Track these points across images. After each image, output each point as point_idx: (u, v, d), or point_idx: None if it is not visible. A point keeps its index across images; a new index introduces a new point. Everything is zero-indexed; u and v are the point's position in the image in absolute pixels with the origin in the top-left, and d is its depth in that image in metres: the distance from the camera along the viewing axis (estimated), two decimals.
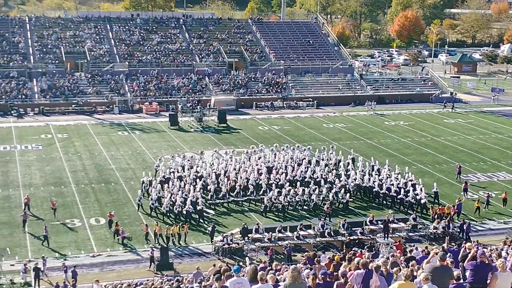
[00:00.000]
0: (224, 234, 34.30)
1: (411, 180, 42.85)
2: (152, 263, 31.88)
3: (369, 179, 42.99)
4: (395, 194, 40.97)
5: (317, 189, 41.19)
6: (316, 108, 76.11)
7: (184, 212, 37.89)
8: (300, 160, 47.13)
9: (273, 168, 45.02)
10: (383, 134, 63.18)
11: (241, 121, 68.33)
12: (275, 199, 39.49)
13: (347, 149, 53.46)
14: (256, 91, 78.35)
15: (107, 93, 73.66)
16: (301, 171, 44.31)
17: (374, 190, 41.86)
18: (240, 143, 57.64)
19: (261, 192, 41.12)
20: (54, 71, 75.24)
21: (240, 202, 40.84)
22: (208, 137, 60.01)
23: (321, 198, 40.43)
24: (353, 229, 35.44)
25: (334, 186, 42.07)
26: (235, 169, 44.44)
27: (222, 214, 39.56)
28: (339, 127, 66.29)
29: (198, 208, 38.21)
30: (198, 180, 42.45)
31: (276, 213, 39.49)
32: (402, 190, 40.84)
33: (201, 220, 37.89)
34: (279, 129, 64.13)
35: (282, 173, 43.96)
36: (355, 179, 43.04)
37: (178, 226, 35.33)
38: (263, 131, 63.23)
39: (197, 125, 64.99)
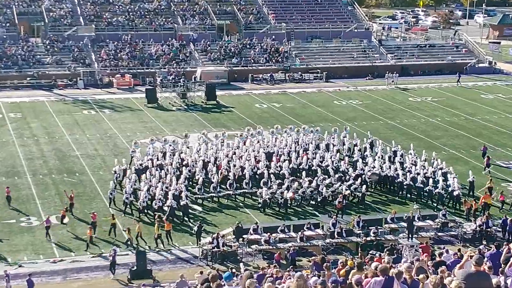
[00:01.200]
0: (214, 235, 34.39)
1: (441, 169, 43.25)
2: (113, 269, 32.24)
3: (390, 168, 43.40)
4: (421, 185, 41.33)
5: (326, 180, 41.58)
6: (325, 82, 76.33)
7: (166, 208, 38.08)
8: (306, 145, 47.58)
9: (274, 154, 45.35)
10: (407, 112, 63.27)
11: (234, 97, 68.34)
12: (275, 193, 39.86)
13: (363, 131, 53.56)
14: (252, 60, 78.50)
15: (70, 63, 73.59)
16: (308, 158, 44.62)
17: (396, 180, 42.27)
18: (233, 124, 57.77)
19: (260, 183, 41.38)
20: (5, 36, 75.06)
21: (234, 196, 41.11)
22: (194, 117, 60.09)
23: (331, 191, 40.79)
24: (370, 228, 35.62)
25: (348, 176, 42.41)
26: (227, 156, 44.81)
27: (212, 211, 39.83)
28: (353, 104, 66.33)
29: (182, 203, 38.36)
30: (182, 169, 42.73)
31: (277, 210, 39.75)
32: (430, 181, 41.11)
33: (186, 218, 38.12)
34: (280, 107, 64.24)
35: (285, 160, 44.28)
36: (373, 168, 43.42)
37: (157, 225, 35.58)
38: (261, 110, 63.30)
39: (180, 102, 65.18)
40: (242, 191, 41.28)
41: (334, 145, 47.82)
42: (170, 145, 46.68)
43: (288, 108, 63.86)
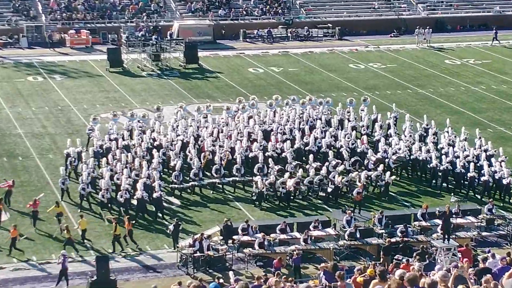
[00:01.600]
0: (196, 236, 34.24)
1: (486, 151, 43.57)
2: (64, 281, 32.21)
3: (421, 149, 43.49)
4: (461, 172, 41.47)
5: (340, 166, 41.65)
6: (338, 39, 76.32)
7: (134, 202, 38.14)
8: (313, 121, 47.61)
9: (272, 133, 45.40)
10: (443, 79, 63.20)
11: (222, 59, 68.12)
12: (274, 182, 39.90)
13: (386, 103, 53.45)
14: (244, 12, 78.35)
15: (10, 15, 73.18)
16: (316, 138, 44.71)
17: (428, 166, 42.54)
18: (220, 94, 57.80)
19: (254, 170, 41.36)
20: None
21: (221, 185, 41.23)
22: (169, 85, 60.16)
23: (346, 180, 40.78)
24: (395, 226, 35.77)
25: (367, 160, 42.54)
26: (212, 134, 44.77)
27: (193, 205, 39.90)
28: (374, 68, 66.24)
29: (155, 195, 38.37)
30: (154, 151, 42.69)
31: (277, 203, 39.80)
32: (472, 166, 41.18)
33: (159, 214, 38.22)
34: (280, 73, 64.03)
35: (286, 140, 44.27)
36: (399, 150, 43.59)
37: (115, 223, 35.56)
38: (255, 76, 63.12)
39: (152, 66, 65.12)
40: (231, 179, 41.38)
41: (349, 121, 47.95)
42: (139, 121, 46.78)
43: (290, 74, 63.67)
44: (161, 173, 41.30)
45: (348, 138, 44.90)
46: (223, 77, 62.48)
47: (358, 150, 43.81)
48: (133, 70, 63.85)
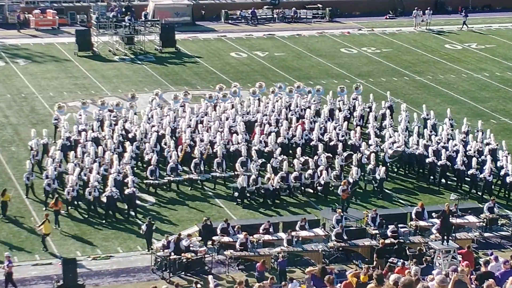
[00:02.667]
0: (172, 237, 34.33)
1: (488, 144, 43.80)
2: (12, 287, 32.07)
3: (418, 143, 43.65)
4: (461, 168, 41.65)
5: (328, 160, 41.79)
6: (329, 21, 76.38)
7: (104, 199, 38.20)
8: (301, 111, 47.78)
9: (256, 124, 45.60)
10: (443, 65, 63.37)
11: (201, 43, 68.31)
12: (257, 180, 40.01)
13: (381, 92, 53.57)
14: None
15: None
16: (304, 130, 44.92)
17: (427, 160, 42.62)
18: (199, 81, 57.85)
19: (237, 164, 41.43)
20: None
21: (199, 181, 41.37)
22: (144, 71, 60.15)
23: (335, 175, 41.03)
24: (389, 226, 35.81)
25: (359, 154, 42.63)
26: (190, 126, 44.80)
27: (169, 203, 40.01)
28: (368, 53, 66.43)
29: (127, 191, 38.50)
30: (127, 144, 42.83)
31: (260, 201, 39.97)
32: (474, 161, 41.33)
33: (132, 213, 38.36)
34: (265, 57, 64.16)
35: (271, 132, 44.28)
36: (393, 143, 43.65)
37: (45, 220, 35.37)
38: (238, 61, 63.23)
39: (124, 49, 65.08)
40: (210, 175, 41.50)
41: (340, 111, 48.10)
42: (111, 111, 46.60)
43: (276, 59, 63.71)
44: (134, 168, 41.29)
45: (339, 130, 44.94)
46: (202, 62, 62.41)
47: (350, 143, 44.04)
48: (104, 54, 63.75)
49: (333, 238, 35.06)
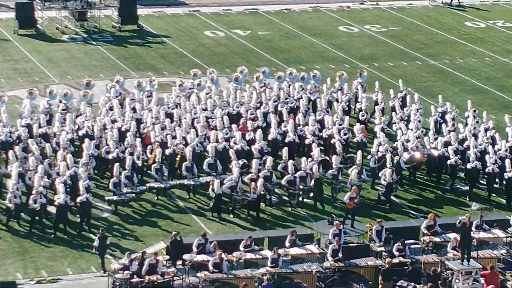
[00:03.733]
0: (134, 255, 33.58)
1: None
2: None
3: (436, 141, 43.33)
4: (490, 171, 41.34)
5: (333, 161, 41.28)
6: None
7: (52, 208, 37.48)
8: (292, 103, 47.28)
9: (238, 117, 45.34)
10: (462, 47, 63.20)
11: (169, 19, 68.18)
12: (236, 186, 39.66)
13: (388, 79, 53.56)
14: None
15: None
16: (297, 125, 44.57)
17: (449, 162, 42.41)
18: (166, 65, 57.40)
19: (204, 166, 41.36)
20: None
21: (167, 189, 40.78)
22: (99, 53, 59.65)
23: (332, 174, 40.80)
24: (399, 242, 35.29)
25: (365, 154, 42.61)
26: (155, 122, 44.20)
27: (132, 215, 39.27)
28: (371, 32, 66.05)
29: (80, 199, 37.58)
30: (86, 141, 42.21)
31: (239, 211, 39.56)
32: (509, 163, 40.92)
33: (85, 225, 37.80)
34: (247, 37, 63.83)
35: (257, 128, 43.77)
36: (406, 141, 43.19)
37: None
38: (215, 41, 62.78)
39: (75, 27, 64.41)
40: (179, 182, 41.01)
41: (339, 102, 47.64)
42: (61, 102, 46.03)
43: (261, 39, 63.43)
44: (88, 172, 40.09)
45: (338, 125, 44.60)
46: (170, 43, 62.31)
47: (355, 140, 43.73)
48: (50, 33, 63.43)
49: (329, 256, 34.63)
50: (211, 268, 33.43)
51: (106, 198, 39.66)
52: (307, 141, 43.47)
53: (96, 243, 34.51)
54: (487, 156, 41.58)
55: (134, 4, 65.00)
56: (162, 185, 40.43)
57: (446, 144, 42.86)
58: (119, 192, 39.43)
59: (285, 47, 61.41)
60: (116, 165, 39.93)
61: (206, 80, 49.62)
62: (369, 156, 42.34)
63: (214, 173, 40.74)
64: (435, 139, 43.31)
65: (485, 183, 41.86)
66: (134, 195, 39.80)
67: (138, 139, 42.29)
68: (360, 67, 54.82)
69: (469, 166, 41.54)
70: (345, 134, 43.96)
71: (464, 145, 43.03)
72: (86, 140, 41.86)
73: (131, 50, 60.36)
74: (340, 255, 34.34)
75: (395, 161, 41.71)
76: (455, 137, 43.51)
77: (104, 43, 61.67)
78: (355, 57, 59.44)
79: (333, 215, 37.74)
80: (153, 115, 44.53)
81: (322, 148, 43.27)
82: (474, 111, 46.42)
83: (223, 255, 33.64)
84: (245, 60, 57.09)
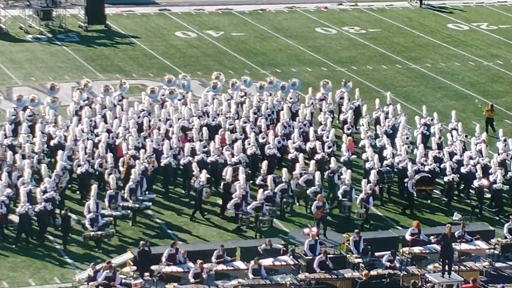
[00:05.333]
0: (100, 265, 33.63)
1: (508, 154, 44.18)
2: None
3: (426, 156, 43.39)
4: (502, 187, 41.55)
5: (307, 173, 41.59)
6: None
7: (15, 219, 37.63)
8: (271, 113, 47.60)
9: (216, 127, 45.46)
10: (445, 50, 63.17)
11: (138, 18, 68.09)
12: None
13: (367, 83, 53.60)
14: None
15: None
16: (276, 136, 44.60)
17: (445, 179, 42.31)
18: (135, 67, 57.24)
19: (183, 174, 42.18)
20: None
21: (138, 201, 40.12)
22: (64, 54, 59.28)
23: (314, 191, 40.51)
24: (376, 254, 35.86)
25: (345, 164, 42.85)
26: (127, 129, 44.16)
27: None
28: (350, 34, 65.82)
29: (38, 207, 37.27)
30: (44, 153, 42.72)
31: (212, 221, 39.81)
32: (499, 175, 41.13)
33: (47, 235, 37.73)
34: (220, 38, 63.65)
35: (236, 140, 44.03)
36: (392, 156, 43.14)
37: None
38: (186, 43, 62.63)
39: (40, 27, 64.08)
40: (150, 198, 40.55)
41: (323, 112, 47.55)
42: (29, 108, 45.90)
43: (235, 40, 63.29)
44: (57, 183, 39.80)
45: (325, 133, 44.95)
46: (139, 44, 62.29)
47: (342, 160, 43.34)
48: (13, 32, 63.30)
49: (316, 267, 34.83)
50: (191, 279, 33.44)
51: (83, 234, 37.80)
52: (290, 156, 43.31)
53: (59, 222, 35.73)
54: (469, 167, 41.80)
55: (102, 3, 64.76)
56: (137, 205, 39.63)
57: (434, 158, 42.83)
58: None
59: (260, 49, 61.46)
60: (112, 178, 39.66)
61: (178, 85, 49.59)
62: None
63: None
64: (425, 154, 43.04)
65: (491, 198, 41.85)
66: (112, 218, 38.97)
67: (110, 154, 41.67)
68: (338, 70, 55.14)
69: (445, 179, 41.76)
70: (329, 148, 43.85)
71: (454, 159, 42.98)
72: (59, 152, 41.51)
73: (98, 51, 60.39)
74: (318, 270, 34.49)
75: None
76: (448, 153, 43.42)
77: (70, 43, 61.58)
78: (332, 60, 59.43)
79: (307, 224, 38.00)
80: (123, 123, 44.34)
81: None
82: (457, 120, 46.14)
83: (204, 265, 33.64)
84: (217, 63, 57.22)
